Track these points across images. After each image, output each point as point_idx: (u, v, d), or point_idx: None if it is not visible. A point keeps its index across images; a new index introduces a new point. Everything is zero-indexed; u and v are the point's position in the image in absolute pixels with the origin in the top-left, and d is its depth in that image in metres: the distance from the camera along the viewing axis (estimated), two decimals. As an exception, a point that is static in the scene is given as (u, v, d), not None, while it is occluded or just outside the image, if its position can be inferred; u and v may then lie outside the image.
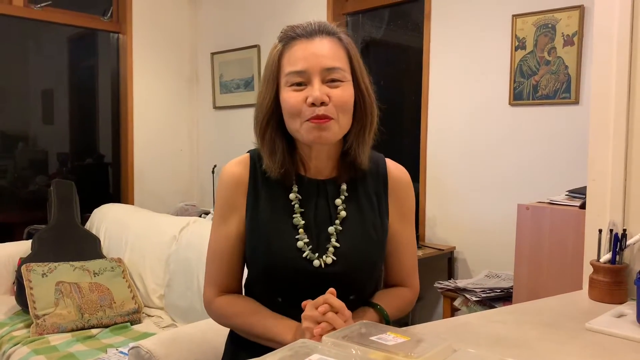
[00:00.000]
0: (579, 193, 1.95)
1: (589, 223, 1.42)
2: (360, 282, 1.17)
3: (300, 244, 1.11)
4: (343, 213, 1.15)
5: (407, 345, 0.85)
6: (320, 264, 1.11)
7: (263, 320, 1.12)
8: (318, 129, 1.06)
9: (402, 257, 1.24)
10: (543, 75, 2.57)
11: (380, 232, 1.17)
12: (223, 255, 1.19)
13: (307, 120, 1.06)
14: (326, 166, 1.18)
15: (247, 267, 1.22)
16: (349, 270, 1.12)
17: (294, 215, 1.14)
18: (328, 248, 1.12)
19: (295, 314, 1.08)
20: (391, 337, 0.87)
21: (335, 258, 1.12)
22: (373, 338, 0.87)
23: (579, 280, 1.45)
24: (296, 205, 1.14)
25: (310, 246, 1.12)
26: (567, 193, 2.04)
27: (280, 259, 1.11)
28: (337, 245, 1.12)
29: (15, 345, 2.31)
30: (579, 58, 2.45)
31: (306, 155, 1.16)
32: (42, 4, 3.55)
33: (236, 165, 1.19)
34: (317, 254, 1.12)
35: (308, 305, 1.04)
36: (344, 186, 1.17)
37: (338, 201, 1.16)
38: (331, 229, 1.13)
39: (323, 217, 1.15)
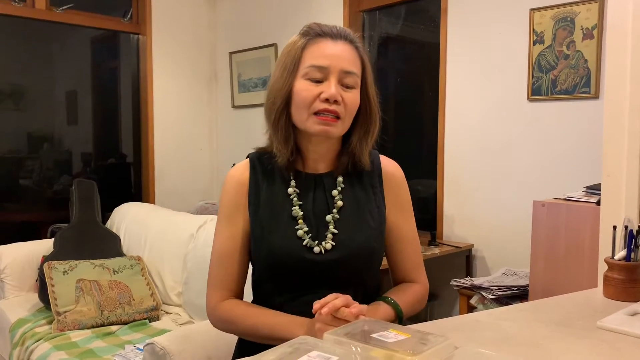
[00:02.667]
0: (597, 189, 1.91)
1: (604, 219, 1.40)
2: (361, 270, 1.20)
3: (300, 232, 1.16)
4: (340, 202, 1.20)
5: (408, 342, 0.84)
6: (321, 250, 1.15)
7: (273, 318, 1.13)
8: (325, 124, 1.13)
9: (405, 251, 1.26)
10: (562, 70, 2.52)
11: (377, 219, 1.21)
12: (230, 256, 1.21)
13: (316, 115, 1.13)
14: (323, 161, 1.23)
15: (252, 265, 1.24)
16: (348, 255, 1.16)
17: (292, 208, 1.18)
18: (327, 235, 1.16)
19: (301, 310, 1.09)
20: (392, 334, 0.87)
21: (334, 243, 1.16)
22: (374, 335, 0.87)
23: (596, 278, 1.43)
24: (295, 198, 1.19)
25: (310, 234, 1.16)
26: (584, 189, 2.00)
27: (281, 249, 1.15)
28: (336, 231, 1.17)
29: (37, 341, 2.37)
30: (598, 52, 2.40)
31: (305, 149, 1.21)
32: (64, 7, 3.62)
33: (237, 170, 1.25)
34: (316, 241, 1.16)
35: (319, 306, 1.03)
36: (340, 178, 1.22)
37: (335, 192, 1.21)
38: (329, 217, 1.18)
39: (321, 207, 1.19)
